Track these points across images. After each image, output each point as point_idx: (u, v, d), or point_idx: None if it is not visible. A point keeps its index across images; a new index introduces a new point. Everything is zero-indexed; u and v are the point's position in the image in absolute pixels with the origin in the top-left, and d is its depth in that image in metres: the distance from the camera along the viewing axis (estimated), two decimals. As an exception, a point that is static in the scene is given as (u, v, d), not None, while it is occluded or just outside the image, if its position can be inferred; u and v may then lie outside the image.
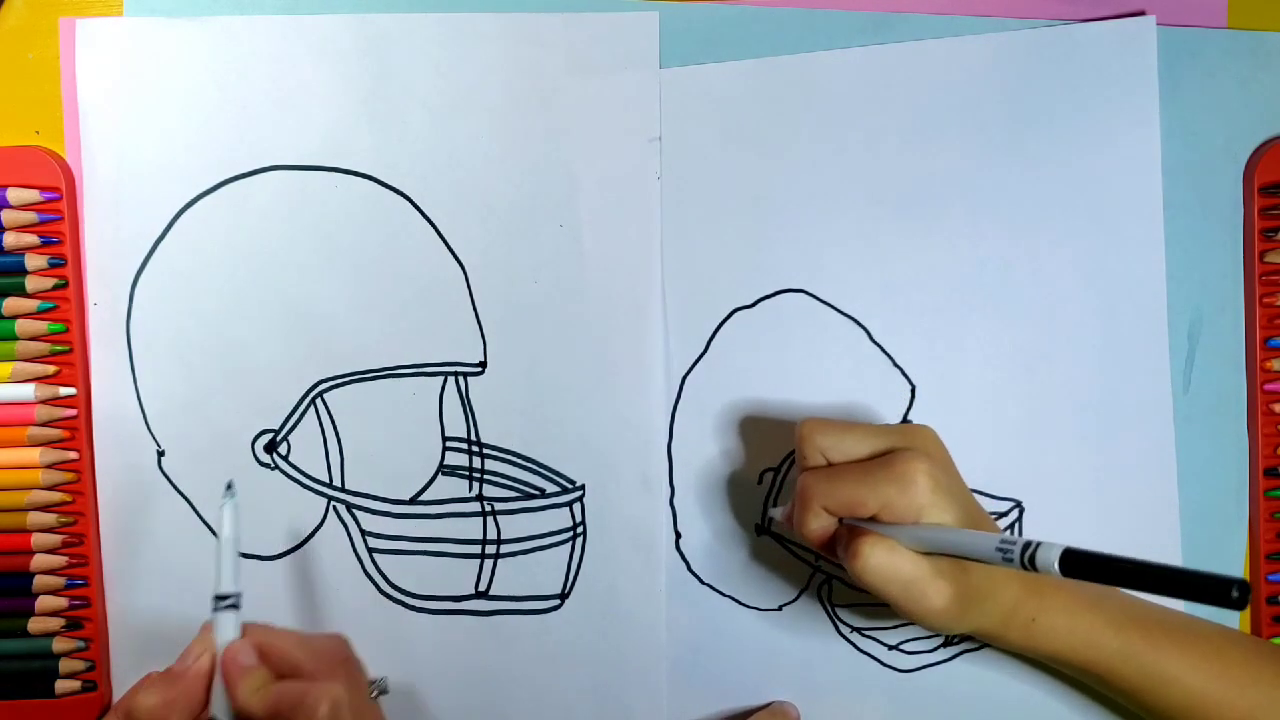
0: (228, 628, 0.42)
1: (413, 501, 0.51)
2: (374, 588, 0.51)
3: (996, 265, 0.51)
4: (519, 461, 0.51)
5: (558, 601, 0.51)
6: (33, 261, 0.49)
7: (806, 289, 0.51)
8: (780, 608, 0.52)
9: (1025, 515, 0.51)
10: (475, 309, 0.50)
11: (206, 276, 0.50)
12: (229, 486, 0.43)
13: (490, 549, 0.51)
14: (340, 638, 0.44)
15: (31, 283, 0.49)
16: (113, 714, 0.41)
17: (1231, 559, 0.52)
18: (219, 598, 0.42)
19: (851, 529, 0.42)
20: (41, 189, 0.49)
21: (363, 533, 0.50)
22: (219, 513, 0.42)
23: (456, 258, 0.50)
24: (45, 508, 0.49)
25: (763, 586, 0.51)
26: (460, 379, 0.50)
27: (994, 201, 0.51)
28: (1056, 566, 0.35)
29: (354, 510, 0.50)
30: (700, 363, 0.51)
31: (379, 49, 0.50)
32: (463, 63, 0.50)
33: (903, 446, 0.42)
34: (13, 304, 0.49)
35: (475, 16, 0.50)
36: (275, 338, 0.50)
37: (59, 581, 0.50)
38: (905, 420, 0.51)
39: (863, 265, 0.51)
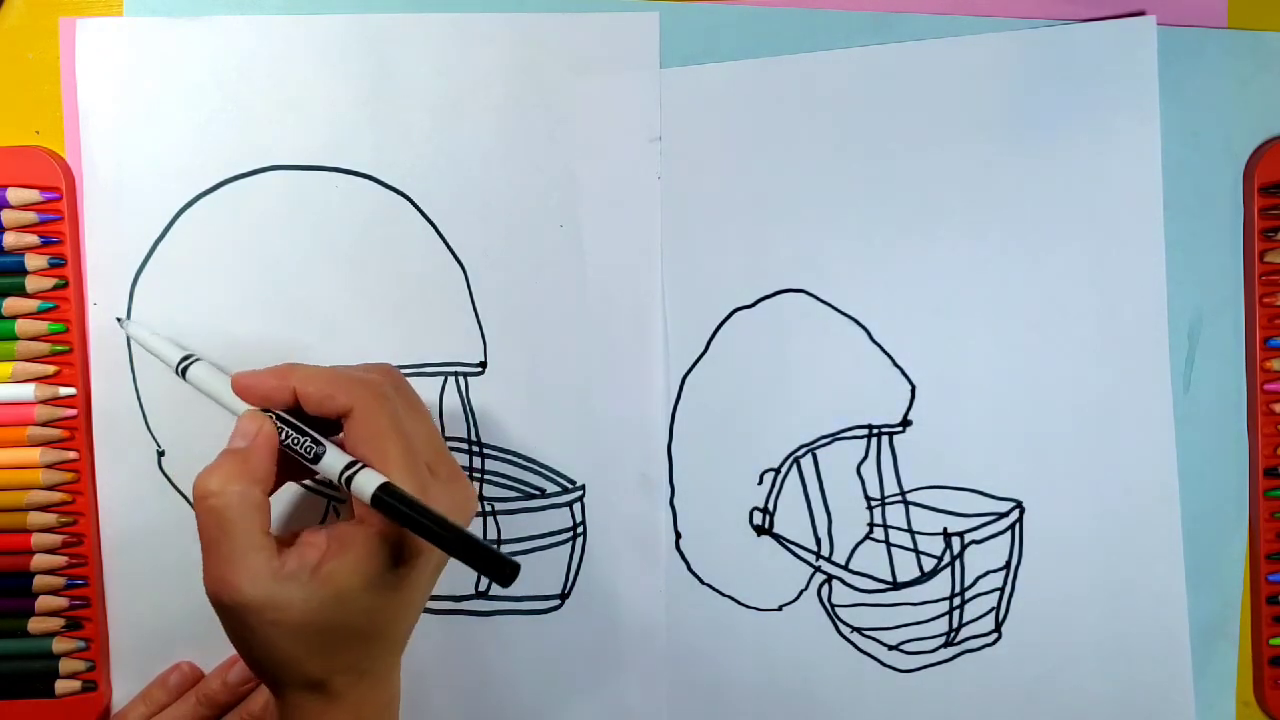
0: (209, 373, 0.44)
1: (413, 501, 0.51)
2: (374, 588, 0.51)
3: (996, 265, 0.51)
4: (519, 461, 0.51)
5: (558, 601, 0.51)
6: (33, 261, 0.49)
7: (806, 289, 0.51)
8: (780, 608, 0.52)
9: (1025, 515, 0.51)
10: (475, 309, 0.50)
11: (206, 276, 0.50)
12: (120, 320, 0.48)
13: (490, 549, 0.51)
14: (386, 366, 0.43)
15: (31, 283, 0.49)
16: (204, 496, 0.38)
17: (1231, 559, 0.52)
18: (182, 359, 0.45)
19: None
20: (41, 189, 0.49)
21: (363, 533, 0.50)
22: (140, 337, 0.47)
23: (456, 258, 0.50)
24: (45, 508, 0.49)
25: (763, 586, 0.51)
26: (460, 379, 0.50)
27: (994, 201, 0.51)
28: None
29: (354, 510, 0.50)
30: (700, 363, 0.51)
31: (379, 49, 0.50)
32: (463, 63, 0.50)
33: None
34: (13, 304, 0.49)
35: (476, 16, 0.50)
36: (275, 338, 0.50)
37: (59, 581, 0.50)
38: (905, 420, 0.51)
39: (863, 265, 0.51)
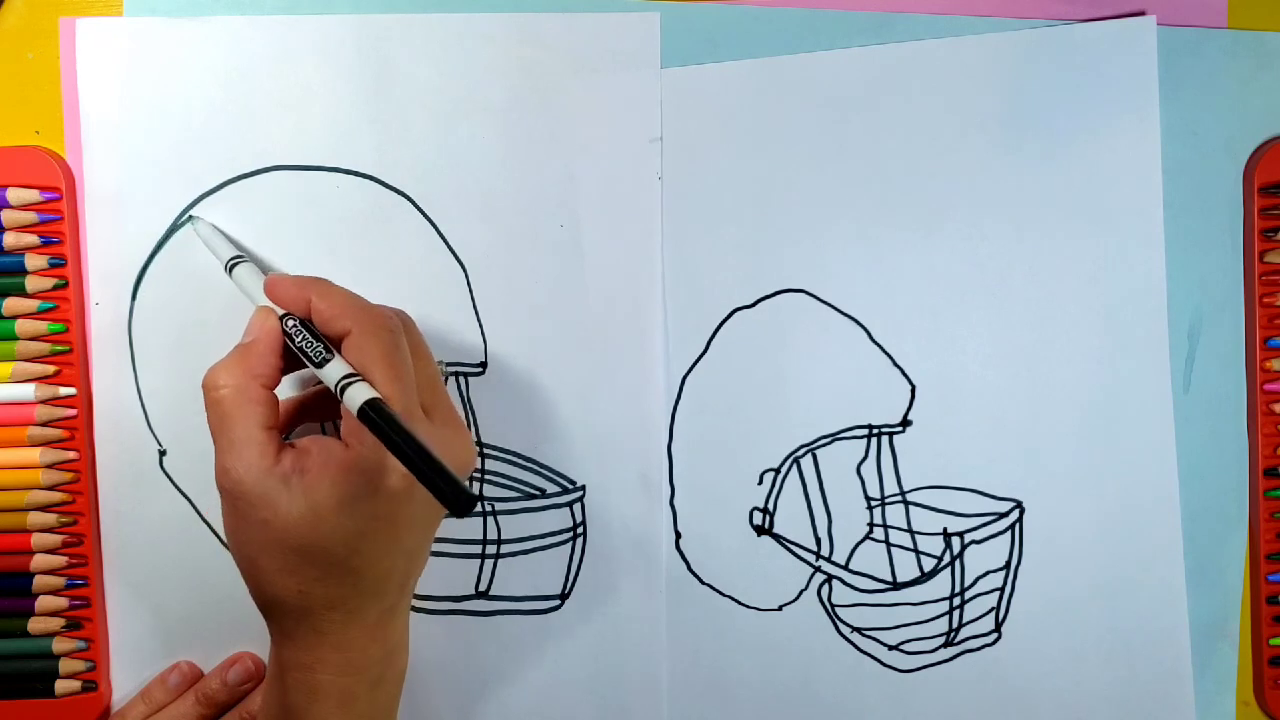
0: (251, 275, 0.45)
1: (413, 501, 0.51)
2: (374, 588, 0.51)
3: (996, 265, 0.51)
4: (519, 461, 0.51)
5: (558, 601, 0.51)
6: (33, 261, 0.49)
7: (806, 289, 0.51)
8: (780, 608, 0.52)
9: (1025, 515, 0.51)
10: (475, 309, 0.50)
11: (208, 276, 0.50)
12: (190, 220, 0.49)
13: (490, 549, 0.51)
14: (401, 311, 0.44)
15: (31, 283, 0.49)
16: (208, 388, 0.40)
17: (1231, 559, 0.52)
18: (232, 258, 0.46)
19: None
20: (41, 189, 0.49)
21: (363, 533, 0.50)
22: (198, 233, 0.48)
23: (457, 258, 0.50)
24: (45, 508, 0.49)
25: (763, 586, 0.51)
26: (460, 379, 0.50)
27: (994, 201, 0.51)
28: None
29: (354, 510, 0.50)
30: (700, 363, 0.51)
31: (380, 49, 0.50)
32: (463, 63, 0.50)
33: None
34: (13, 304, 0.49)
35: (476, 17, 0.50)
36: (275, 338, 0.50)
37: (59, 581, 0.50)
38: (905, 420, 0.51)
39: (863, 265, 0.51)
